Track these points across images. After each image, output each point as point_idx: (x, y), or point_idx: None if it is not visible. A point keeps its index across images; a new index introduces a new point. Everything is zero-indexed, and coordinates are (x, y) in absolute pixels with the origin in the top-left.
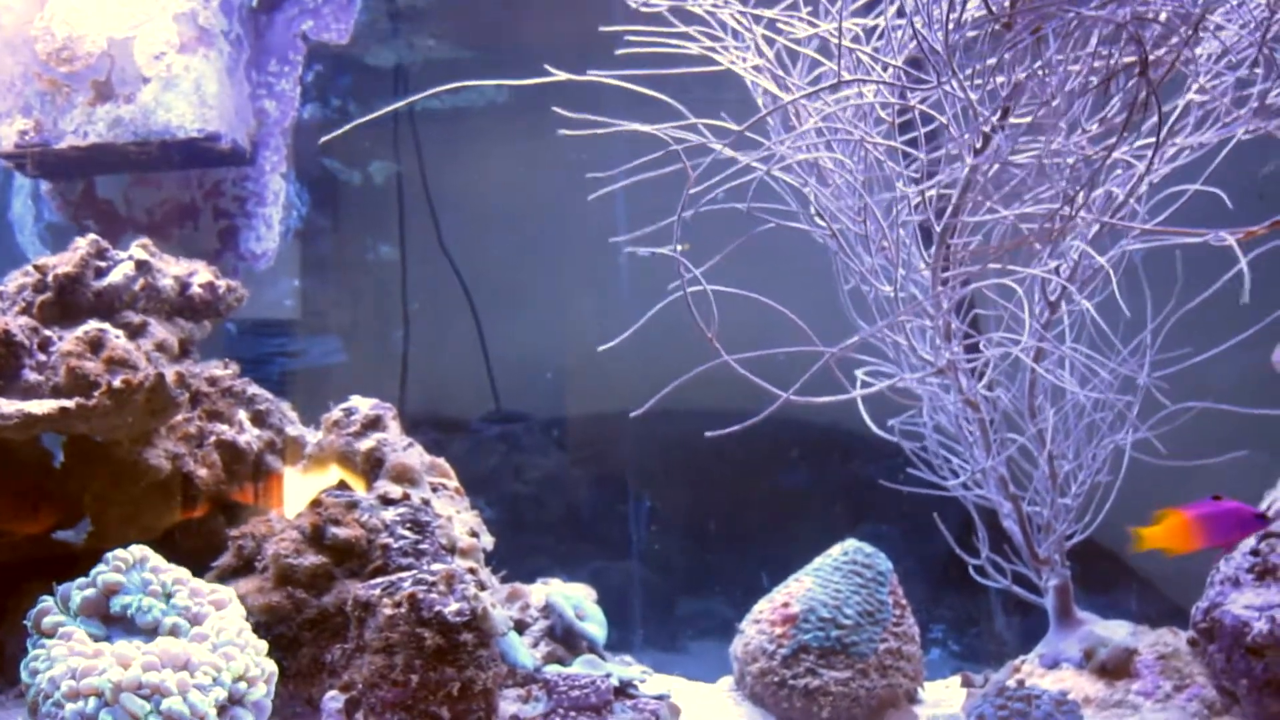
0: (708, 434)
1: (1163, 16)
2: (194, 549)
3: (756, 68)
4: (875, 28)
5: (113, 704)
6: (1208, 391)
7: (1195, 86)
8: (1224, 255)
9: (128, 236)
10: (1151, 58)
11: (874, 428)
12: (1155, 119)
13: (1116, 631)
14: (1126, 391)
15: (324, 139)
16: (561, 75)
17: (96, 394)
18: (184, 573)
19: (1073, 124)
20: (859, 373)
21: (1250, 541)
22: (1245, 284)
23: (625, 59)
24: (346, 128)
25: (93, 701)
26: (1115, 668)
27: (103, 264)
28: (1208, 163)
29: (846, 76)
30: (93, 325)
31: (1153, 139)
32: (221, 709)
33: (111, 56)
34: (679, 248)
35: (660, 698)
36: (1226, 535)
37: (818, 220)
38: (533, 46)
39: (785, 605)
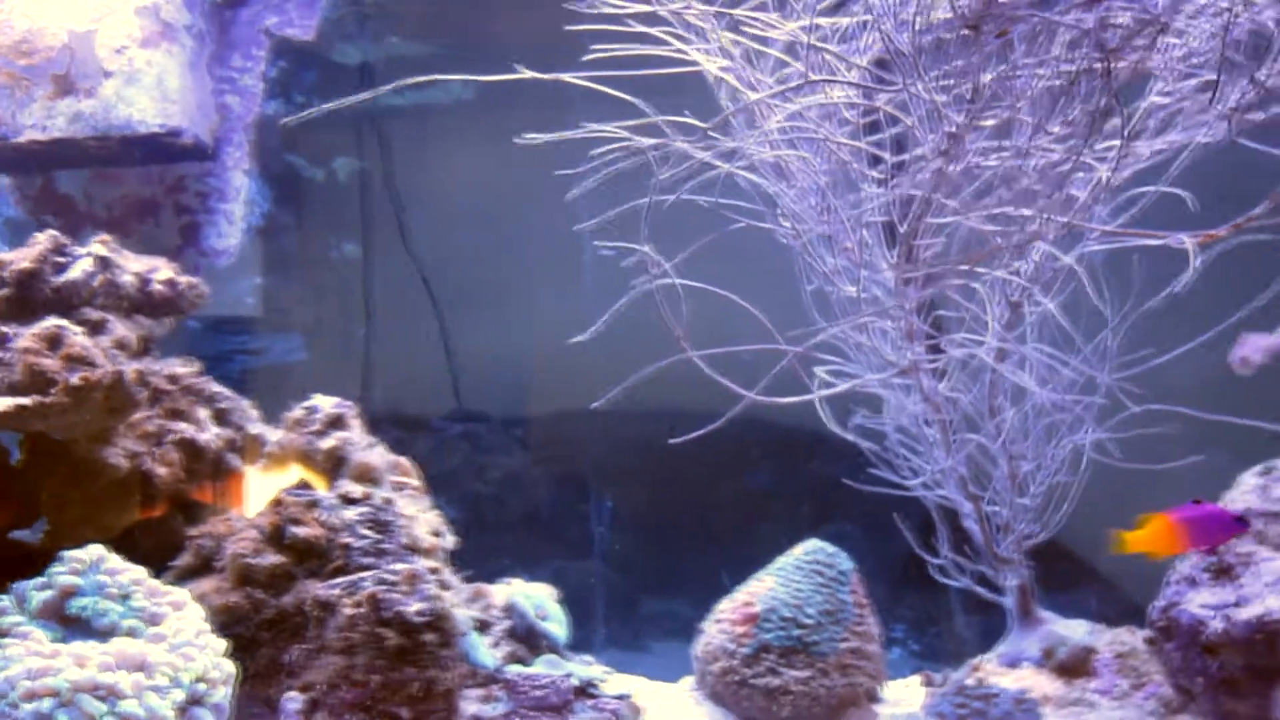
0: (671, 441)
1: (1125, 20)
2: (153, 548)
3: (722, 68)
4: (841, 28)
5: (69, 704)
6: (1169, 392)
7: (1156, 90)
8: (1186, 257)
9: (87, 232)
10: (1114, 64)
11: (835, 427)
12: (1118, 121)
13: (1075, 630)
14: (1088, 393)
15: (286, 120)
16: (527, 74)
17: (54, 391)
18: (142, 573)
19: (1037, 127)
20: (818, 370)
21: None
22: (1185, 281)
23: (592, 57)
24: (309, 113)
25: (49, 701)
26: (1074, 666)
27: (62, 260)
28: (1170, 165)
29: (813, 77)
30: (51, 322)
31: (1115, 141)
32: (181, 710)
33: (72, 50)
34: (645, 247)
35: (621, 697)
36: (1209, 539)
37: (782, 220)
38: (499, 44)
39: (747, 605)
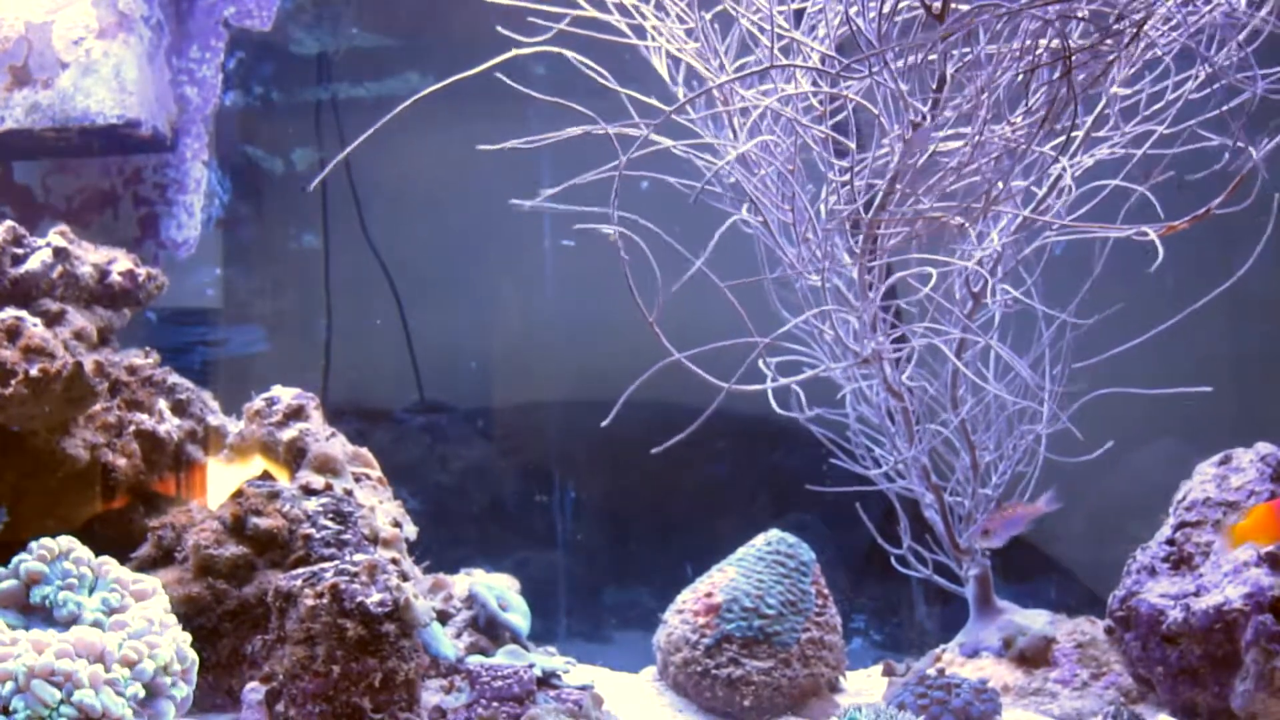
0: (654, 450)
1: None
2: (113, 540)
3: (677, 55)
4: (804, 14)
5: (25, 690)
6: (1127, 382)
7: (1118, 81)
8: (1145, 249)
9: (46, 223)
10: (1076, 56)
11: (781, 411)
12: (1080, 114)
13: (1035, 620)
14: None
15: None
16: (491, 61)
17: (13, 383)
18: (111, 563)
19: (998, 116)
20: (763, 362)
21: (1166, 531)
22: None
23: (551, 47)
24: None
25: (8, 686)
26: (1034, 656)
27: (20, 251)
28: (1131, 158)
29: (781, 61)
30: (9, 313)
31: (1078, 134)
32: (141, 703)
33: (29, 41)
34: (611, 237)
35: (583, 688)
36: None
37: (745, 211)
38: (457, 34)
39: (708, 595)
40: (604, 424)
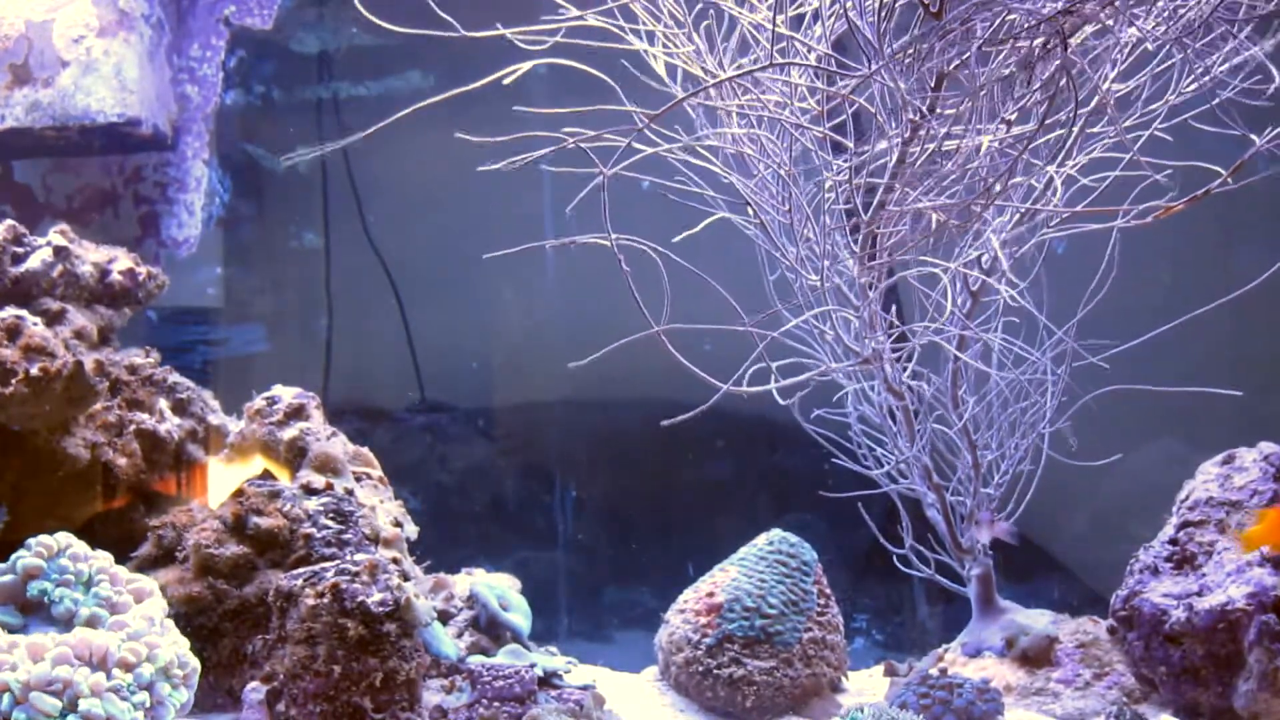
0: (664, 423)
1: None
2: (114, 539)
3: (687, 52)
4: (801, 14)
5: (22, 701)
6: (1128, 381)
7: (1111, 76)
8: (1145, 249)
9: (46, 222)
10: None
11: (793, 416)
12: (1075, 109)
13: (1038, 620)
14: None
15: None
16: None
17: (14, 382)
18: (107, 560)
19: (994, 113)
20: (770, 364)
21: (1169, 530)
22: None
23: (551, 49)
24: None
25: (6, 698)
26: (1036, 656)
27: (20, 250)
28: (1130, 152)
29: (779, 60)
30: (9, 312)
31: (1073, 129)
32: (144, 706)
33: (29, 39)
34: (610, 239)
35: (585, 688)
36: None
37: (745, 210)
38: (458, 35)
39: (710, 595)
40: (573, 364)
